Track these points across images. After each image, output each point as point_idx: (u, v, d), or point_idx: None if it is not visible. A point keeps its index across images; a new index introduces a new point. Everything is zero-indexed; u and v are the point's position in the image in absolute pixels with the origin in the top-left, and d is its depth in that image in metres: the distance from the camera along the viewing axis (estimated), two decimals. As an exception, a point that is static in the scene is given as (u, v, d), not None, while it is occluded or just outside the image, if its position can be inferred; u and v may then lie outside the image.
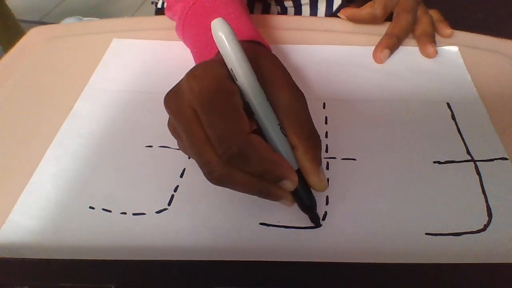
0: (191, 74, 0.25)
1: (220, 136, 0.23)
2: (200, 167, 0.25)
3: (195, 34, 0.37)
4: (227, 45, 0.23)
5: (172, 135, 0.27)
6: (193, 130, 0.24)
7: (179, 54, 0.42)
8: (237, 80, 0.24)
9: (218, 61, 0.25)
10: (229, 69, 0.24)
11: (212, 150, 0.24)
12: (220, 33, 0.23)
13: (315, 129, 0.26)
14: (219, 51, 0.24)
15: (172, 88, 0.26)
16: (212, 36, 0.24)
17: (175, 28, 0.40)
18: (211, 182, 0.24)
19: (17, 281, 0.24)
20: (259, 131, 0.25)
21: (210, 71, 0.24)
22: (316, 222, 0.28)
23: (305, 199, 0.26)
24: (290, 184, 0.25)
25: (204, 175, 0.24)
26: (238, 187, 0.25)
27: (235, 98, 0.24)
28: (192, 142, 0.24)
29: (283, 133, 0.25)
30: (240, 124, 0.23)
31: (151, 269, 0.25)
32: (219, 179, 0.24)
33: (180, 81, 0.25)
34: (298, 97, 0.26)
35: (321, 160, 0.26)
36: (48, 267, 0.25)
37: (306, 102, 0.26)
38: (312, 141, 0.26)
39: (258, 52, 0.28)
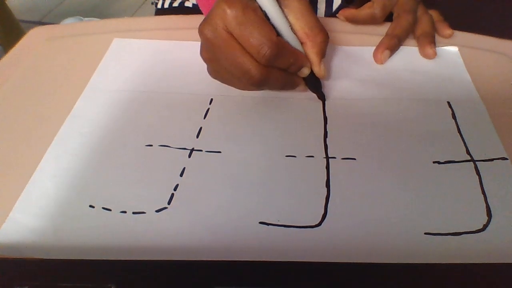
0: (221, 1, 0.30)
1: (257, 43, 0.29)
2: (242, 77, 0.31)
3: None
4: None
5: (206, 62, 0.34)
6: (231, 47, 0.30)
7: (179, 54, 0.42)
8: None
9: None
10: None
11: (250, 58, 0.30)
12: None
13: (322, 27, 0.33)
14: None
15: (205, 18, 0.31)
16: None
17: None
18: (252, 86, 0.32)
19: (17, 281, 0.24)
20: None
21: None
22: (322, 98, 0.37)
23: (313, 80, 0.35)
24: (306, 70, 0.33)
25: (246, 82, 0.31)
26: (274, 83, 0.32)
27: (259, 12, 0.30)
28: (232, 57, 0.30)
29: (294, 33, 0.32)
30: (270, 31, 0.30)
31: (151, 269, 0.25)
32: (260, 80, 0.31)
33: (212, 9, 0.30)
34: (304, 3, 0.32)
35: (324, 53, 0.34)
36: (48, 267, 0.25)
37: (311, 6, 0.32)
38: (319, 37, 0.32)
39: None
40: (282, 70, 0.32)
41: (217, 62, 0.32)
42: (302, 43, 0.33)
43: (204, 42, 0.32)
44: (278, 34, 0.31)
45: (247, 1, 0.30)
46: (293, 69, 0.32)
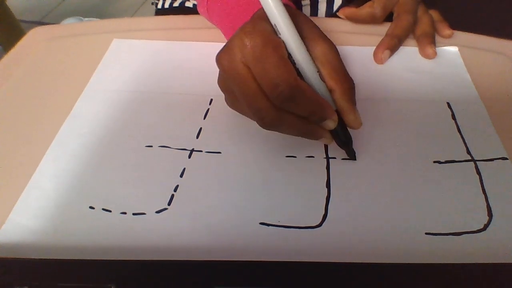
0: (242, 31, 0.27)
1: (273, 82, 0.26)
2: (253, 115, 0.28)
3: (226, 3, 0.39)
4: (270, 2, 0.26)
5: (223, 91, 0.31)
6: (246, 82, 0.27)
7: (179, 54, 0.42)
8: (280, 34, 0.27)
9: (263, 18, 0.28)
10: (273, 24, 0.27)
11: (264, 97, 0.27)
12: None
13: (348, 74, 0.29)
14: (258, 10, 0.28)
15: (223, 47, 0.29)
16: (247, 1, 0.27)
17: (197, 5, 0.43)
18: (263, 127, 0.28)
19: (17, 281, 0.24)
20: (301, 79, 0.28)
21: (258, 27, 0.27)
22: (352, 156, 0.31)
23: (342, 135, 0.30)
24: (332, 123, 0.28)
25: (257, 122, 0.28)
26: (288, 129, 0.29)
27: (281, 50, 0.27)
28: (246, 92, 0.27)
29: (321, 79, 0.28)
30: (289, 71, 0.26)
31: (151, 269, 0.25)
32: (271, 122, 0.27)
33: (231, 39, 0.28)
34: (331, 47, 0.29)
35: (355, 101, 0.29)
36: (48, 267, 0.25)
37: (338, 52, 0.29)
38: (347, 84, 0.29)
39: (292, 11, 0.30)
40: (300, 117, 0.28)
41: (233, 94, 0.30)
42: (330, 91, 0.29)
43: (221, 71, 0.29)
44: (303, 78, 0.28)
45: (270, 35, 0.27)
46: (315, 119, 0.28)
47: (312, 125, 0.29)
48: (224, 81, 0.30)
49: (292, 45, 0.27)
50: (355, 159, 0.31)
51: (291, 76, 0.26)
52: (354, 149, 0.31)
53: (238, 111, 0.32)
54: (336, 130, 0.29)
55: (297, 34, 0.27)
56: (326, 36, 0.30)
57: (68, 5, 1.77)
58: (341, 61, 0.29)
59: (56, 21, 1.61)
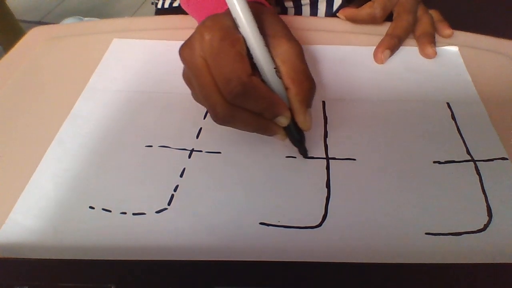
0: (202, 25, 0.28)
1: (226, 77, 0.26)
2: (208, 110, 0.28)
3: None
4: None
5: (187, 85, 0.31)
6: (202, 75, 0.27)
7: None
8: (239, 27, 0.27)
9: (225, 13, 0.28)
10: (234, 18, 0.27)
11: (217, 92, 0.27)
12: None
13: (310, 75, 0.29)
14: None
15: (186, 40, 0.29)
16: None
17: (180, 0, 0.43)
18: (217, 122, 0.28)
19: (17, 281, 0.24)
20: (259, 76, 0.28)
21: (217, 21, 0.28)
22: (304, 154, 0.32)
23: (295, 133, 0.30)
24: (284, 120, 0.29)
25: (211, 117, 0.28)
26: (240, 125, 0.29)
27: (239, 45, 0.27)
28: (201, 86, 0.27)
29: (278, 76, 0.28)
30: (243, 67, 0.26)
31: (151, 269, 0.25)
32: (224, 118, 0.28)
33: (193, 33, 0.28)
34: (294, 47, 0.29)
35: (310, 103, 0.29)
36: (48, 267, 0.25)
37: (302, 51, 0.29)
38: (304, 85, 0.29)
39: (261, 9, 0.30)
40: (254, 113, 0.28)
41: (192, 87, 0.30)
42: (286, 89, 0.29)
43: (183, 64, 0.29)
44: (261, 75, 0.28)
45: (229, 30, 0.27)
46: (267, 115, 0.28)
47: (266, 121, 0.29)
48: (186, 74, 0.30)
49: (250, 40, 0.27)
50: (306, 157, 0.32)
51: (244, 72, 0.26)
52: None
53: (201, 104, 0.31)
54: (290, 128, 0.30)
55: (257, 30, 0.27)
56: (293, 36, 0.29)
57: (68, 5, 1.77)
58: (304, 61, 0.29)
59: (56, 21, 1.61)
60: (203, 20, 0.28)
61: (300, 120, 0.29)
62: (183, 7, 0.44)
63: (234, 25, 0.27)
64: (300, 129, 0.30)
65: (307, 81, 0.29)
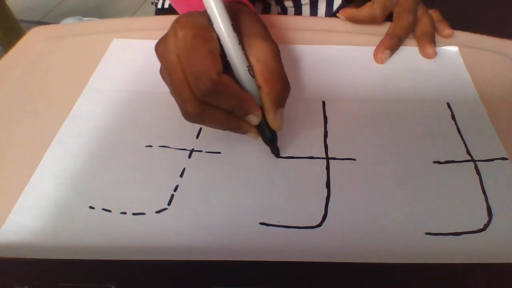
0: (176, 22, 0.28)
1: (196, 75, 0.26)
2: (179, 107, 0.28)
3: None
4: None
5: (163, 80, 0.30)
6: (174, 72, 0.27)
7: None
8: (214, 25, 0.27)
9: (201, 11, 0.28)
10: (208, 16, 0.27)
11: (189, 90, 0.27)
12: None
13: (283, 75, 0.29)
14: None
15: (161, 37, 0.29)
16: None
17: None
18: (187, 119, 0.28)
19: (17, 281, 0.24)
20: (233, 75, 0.28)
21: (192, 19, 0.28)
22: (275, 153, 0.32)
23: (266, 132, 0.30)
24: (255, 118, 0.29)
25: (182, 114, 0.28)
26: (211, 123, 0.29)
27: (211, 43, 0.27)
28: (173, 82, 0.28)
29: (251, 75, 0.28)
30: (214, 65, 0.26)
31: (151, 269, 0.25)
32: (193, 115, 0.28)
33: (169, 29, 0.29)
34: (270, 46, 0.29)
35: (282, 103, 0.30)
36: (48, 267, 0.25)
37: (279, 51, 0.29)
38: (277, 84, 0.29)
39: (239, 8, 0.31)
40: (225, 111, 0.28)
41: (167, 83, 0.30)
42: (259, 88, 0.29)
43: (158, 60, 0.30)
44: (234, 73, 0.28)
45: (203, 27, 0.27)
46: (238, 113, 0.28)
47: (237, 119, 0.29)
48: (162, 71, 0.30)
49: (223, 38, 0.27)
50: (278, 157, 0.32)
51: (214, 70, 0.26)
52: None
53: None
54: (262, 127, 0.30)
55: (231, 28, 0.27)
56: (270, 36, 0.30)
57: (68, 5, 1.77)
58: (279, 61, 0.29)
59: (56, 21, 1.61)
60: (178, 16, 0.28)
61: (271, 119, 0.29)
62: (171, 2, 0.44)
63: (209, 23, 0.27)
64: (271, 128, 0.30)
65: (279, 81, 0.29)
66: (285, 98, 0.30)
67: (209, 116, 0.28)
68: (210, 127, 0.29)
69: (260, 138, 0.31)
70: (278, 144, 0.31)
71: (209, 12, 0.27)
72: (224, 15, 0.27)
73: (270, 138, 0.30)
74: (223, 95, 0.27)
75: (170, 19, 0.50)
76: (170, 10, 0.59)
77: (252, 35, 0.29)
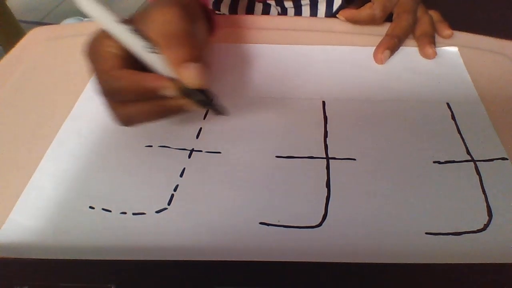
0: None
1: (96, 80, 0.27)
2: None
3: None
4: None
5: None
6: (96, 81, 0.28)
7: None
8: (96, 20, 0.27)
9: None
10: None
11: (103, 96, 0.28)
12: None
13: (179, 32, 0.27)
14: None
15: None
16: None
17: None
18: (120, 125, 0.29)
19: (17, 281, 0.24)
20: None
21: (91, 39, 0.29)
22: (221, 111, 0.30)
23: (198, 95, 0.28)
24: (170, 90, 0.27)
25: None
26: (142, 118, 0.28)
27: (108, 44, 0.27)
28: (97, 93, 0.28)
29: (154, 52, 0.27)
30: (106, 64, 0.27)
31: (151, 269, 0.25)
32: (122, 120, 0.28)
33: None
34: (160, 11, 0.28)
35: (188, 56, 0.27)
36: (48, 267, 0.25)
37: (178, 14, 0.28)
38: (172, 41, 0.27)
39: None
40: (148, 101, 0.27)
41: None
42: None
43: None
44: (138, 57, 0.28)
45: (102, 32, 0.28)
46: (151, 94, 0.27)
47: (163, 102, 0.28)
48: None
49: (108, 29, 0.27)
50: (227, 114, 0.31)
51: (104, 69, 0.27)
52: (225, 106, 0.30)
53: None
54: (190, 94, 0.27)
55: (111, 19, 0.27)
56: (167, 4, 0.28)
57: (68, 5, 1.77)
58: (175, 24, 0.27)
59: (56, 21, 1.61)
60: None
61: (184, 76, 0.26)
62: None
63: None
64: (203, 89, 0.28)
65: (173, 38, 0.27)
66: (193, 53, 0.27)
67: (136, 113, 0.28)
68: (145, 122, 0.29)
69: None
70: (277, 145, 0.31)
71: (84, 11, 0.27)
72: (100, 11, 0.27)
73: (203, 98, 0.28)
74: (121, 86, 0.26)
75: None
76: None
77: (148, 12, 0.28)
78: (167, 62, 0.27)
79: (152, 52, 0.27)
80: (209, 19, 0.36)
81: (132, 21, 0.28)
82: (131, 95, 0.27)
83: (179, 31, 0.27)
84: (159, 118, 0.29)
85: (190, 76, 0.26)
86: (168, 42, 0.27)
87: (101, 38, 0.28)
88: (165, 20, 0.27)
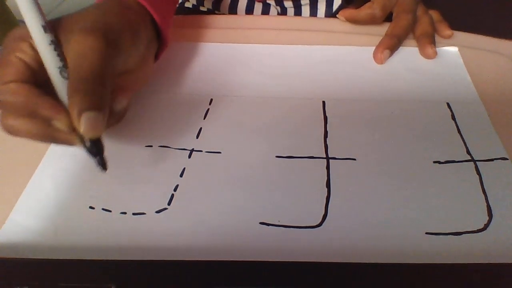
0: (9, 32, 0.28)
1: None
2: None
3: None
4: None
5: None
6: None
7: (178, 54, 0.42)
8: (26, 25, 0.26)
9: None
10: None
11: None
12: None
13: (99, 76, 0.26)
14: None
15: None
16: None
17: None
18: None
19: (17, 281, 0.24)
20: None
21: (18, 29, 0.27)
22: (102, 166, 0.28)
23: (85, 142, 0.27)
24: (58, 123, 0.26)
25: None
26: (24, 135, 0.26)
27: (18, 53, 0.26)
28: None
29: (64, 77, 0.26)
30: (8, 73, 0.25)
31: (151, 269, 0.25)
32: (5, 130, 0.26)
33: None
34: (85, 40, 0.26)
35: (92, 104, 0.25)
36: (48, 267, 0.25)
37: (102, 47, 0.26)
38: (82, 84, 0.25)
39: (93, 6, 0.30)
40: (37, 122, 0.26)
41: None
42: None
43: None
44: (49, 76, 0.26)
45: (19, 37, 0.27)
46: (43, 120, 0.26)
47: (51, 129, 0.26)
48: None
49: (33, 38, 0.26)
50: (105, 169, 0.28)
51: (3, 79, 0.25)
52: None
53: None
54: (80, 136, 0.26)
55: (39, 26, 0.25)
56: (95, 31, 0.27)
57: (68, 5, 1.78)
58: (92, 59, 0.26)
59: (56, 21, 1.61)
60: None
61: (78, 125, 0.25)
62: None
63: (25, 32, 0.26)
64: (97, 140, 0.27)
65: (83, 81, 0.25)
66: (95, 100, 0.25)
67: (20, 128, 0.26)
68: (33, 140, 0.27)
69: None
70: (277, 145, 0.31)
71: (22, 15, 0.25)
72: (32, 14, 0.25)
73: (89, 146, 0.27)
74: (15, 103, 0.25)
75: (170, 19, 0.50)
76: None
77: (74, 31, 0.27)
78: (68, 98, 0.25)
79: (62, 77, 0.26)
80: (162, 30, 0.34)
81: (60, 26, 0.27)
82: (22, 111, 0.26)
83: (88, 72, 0.25)
84: (44, 141, 0.27)
85: (85, 127, 0.25)
86: (74, 84, 0.25)
87: (19, 39, 0.27)
88: (79, 51, 0.26)
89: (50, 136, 0.27)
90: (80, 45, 0.26)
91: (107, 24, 0.28)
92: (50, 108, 0.25)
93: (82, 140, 0.26)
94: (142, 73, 0.33)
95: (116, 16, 0.29)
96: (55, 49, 0.26)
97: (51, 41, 0.26)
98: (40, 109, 0.25)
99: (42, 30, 0.26)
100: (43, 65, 0.26)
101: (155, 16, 0.33)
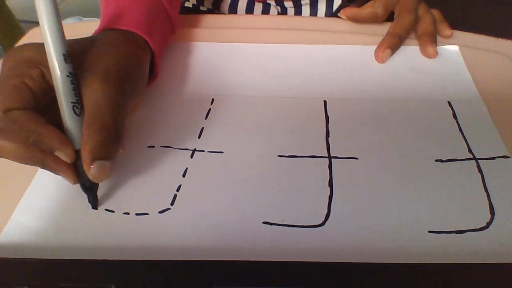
0: (8, 52, 0.27)
1: None
2: None
3: None
4: (42, 9, 0.25)
5: None
6: None
7: (179, 54, 0.42)
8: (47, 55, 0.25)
9: (40, 43, 0.26)
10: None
11: None
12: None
13: (111, 126, 0.26)
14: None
15: None
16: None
17: None
18: None
19: (17, 281, 0.24)
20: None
21: (20, 51, 0.27)
22: (92, 204, 0.28)
23: (84, 178, 0.27)
24: (63, 155, 0.26)
25: None
26: (11, 157, 0.26)
27: (25, 79, 0.25)
28: None
29: (76, 113, 0.26)
30: (9, 99, 0.25)
31: (151, 269, 0.25)
32: None
33: None
34: (105, 87, 0.26)
35: (104, 155, 0.26)
36: (48, 267, 0.25)
37: (118, 97, 0.27)
38: (97, 135, 0.26)
39: (106, 39, 0.30)
40: (30, 147, 0.26)
41: None
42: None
43: None
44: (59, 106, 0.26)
45: (24, 61, 0.26)
46: (42, 147, 0.26)
47: (46, 156, 0.26)
48: None
49: (51, 65, 0.25)
50: (96, 208, 0.28)
51: (3, 106, 0.25)
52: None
53: None
54: (79, 169, 0.27)
55: (61, 56, 0.25)
56: (113, 77, 0.27)
57: (68, 5, 1.77)
58: (111, 109, 0.26)
59: (55, 21, 1.60)
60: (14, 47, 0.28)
61: (86, 169, 0.26)
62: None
63: (40, 57, 0.26)
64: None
65: (102, 131, 0.26)
66: (108, 151, 0.26)
67: (10, 151, 0.26)
68: (18, 162, 0.27)
69: None
70: (279, 144, 0.31)
71: (43, 38, 0.25)
72: (55, 43, 0.25)
73: (88, 185, 0.27)
74: (12, 129, 0.25)
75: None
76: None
77: (93, 72, 0.27)
78: (83, 144, 0.26)
79: (75, 114, 0.26)
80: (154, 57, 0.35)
81: (75, 59, 0.26)
82: (20, 138, 0.25)
83: (106, 124, 0.26)
84: (32, 164, 0.27)
85: (95, 173, 0.26)
86: (91, 132, 0.25)
87: (30, 63, 0.26)
88: (97, 99, 0.26)
89: (42, 161, 0.27)
90: (99, 94, 0.26)
91: (126, 73, 0.28)
92: (57, 140, 0.26)
93: (80, 177, 0.27)
94: (135, 103, 0.34)
95: (131, 59, 0.30)
96: (72, 82, 0.25)
97: (70, 72, 0.25)
98: (44, 139, 0.25)
99: (62, 59, 0.25)
100: (47, 94, 0.26)
101: (156, 56, 0.35)
